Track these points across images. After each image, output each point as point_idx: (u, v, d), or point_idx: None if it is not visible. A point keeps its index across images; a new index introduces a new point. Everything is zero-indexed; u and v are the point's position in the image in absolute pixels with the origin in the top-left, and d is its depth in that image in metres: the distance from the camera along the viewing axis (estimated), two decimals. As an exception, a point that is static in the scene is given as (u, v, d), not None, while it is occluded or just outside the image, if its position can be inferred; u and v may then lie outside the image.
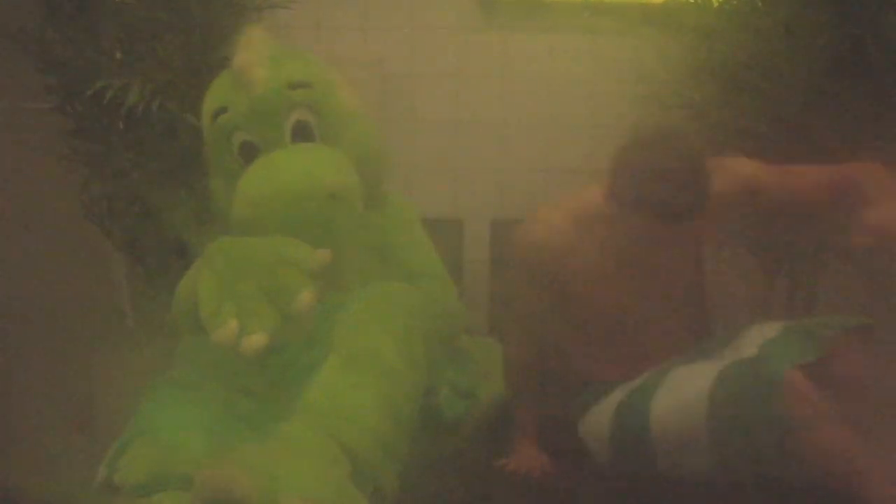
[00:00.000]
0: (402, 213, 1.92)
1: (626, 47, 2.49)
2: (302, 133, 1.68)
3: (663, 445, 1.48)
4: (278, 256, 1.54)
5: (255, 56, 1.69)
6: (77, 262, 2.16)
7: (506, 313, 1.80)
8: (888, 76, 2.01)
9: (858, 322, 1.48)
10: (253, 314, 1.48)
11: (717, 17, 2.21)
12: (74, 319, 2.13)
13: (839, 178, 1.59)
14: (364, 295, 1.59)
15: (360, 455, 1.36)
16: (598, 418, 1.62)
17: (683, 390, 1.46)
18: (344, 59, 2.42)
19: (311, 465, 1.30)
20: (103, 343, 2.06)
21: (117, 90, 1.86)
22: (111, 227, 2.06)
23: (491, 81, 2.55)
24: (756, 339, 1.53)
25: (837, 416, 1.32)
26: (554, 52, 2.54)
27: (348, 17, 2.51)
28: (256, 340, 1.46)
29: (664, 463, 1.50)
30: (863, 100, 2.05)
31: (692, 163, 1.45)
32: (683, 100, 2.32)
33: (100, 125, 1.97)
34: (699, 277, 1.69)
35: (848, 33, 2.00)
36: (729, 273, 2.46)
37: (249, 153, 1.67)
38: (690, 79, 2.30)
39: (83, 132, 1.99)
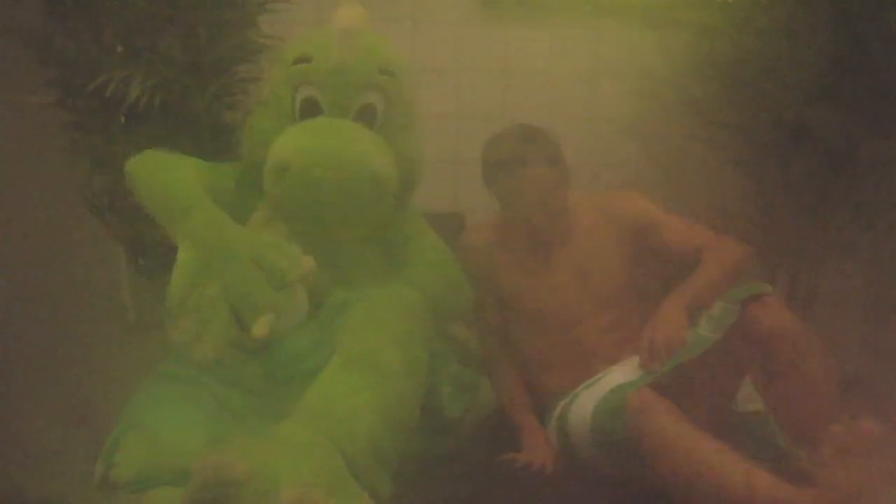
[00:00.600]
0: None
1: (627, 43, 2.50)
2: (367, 115, 1.70)
3: (584, 453, 1.62)
4: (257, 258, 1.53)
5: (361, 24, 1.72)
6: (78, 257, 2.16)
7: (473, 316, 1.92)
8: (890, 74, 2.01)
9: (751, 292, 1.53)
10: (208, 323, 1.49)
11: (718, 13, 2.21)
12: (75, 313, 2.13)
13: (699, 244, 1.74)
14: (366, 298, 1.58)
15: (353, 459, 1.36)
16: (550, 427, 1.74)
17: (580, 411, 1.61)
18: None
19: (308, 456, 1.30)
20: (104, 337, 2.07)
21: (119, 84, 1.85)
22: (113, 222, 2.05)
23: (492, 76, 2.55)
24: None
25: (687, 426, 1.40)
26: (555, 47, 2.54)
27: (350, 12, 2.50)
28: (203, 353, 1.49)
29: (594, 466, 1.62)
30: (864, 98, 2.05)
31: (532, 163, 1.68)
32: (684, 96, 2.32)
33: (101, 119, 1.96)
34: (641, 284, 1.79)
35: (849, 31, 2.00)
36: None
37: (310, 110, 1.67)
38: (691, 75, 2.31)
39: (85, 126, 1.98)
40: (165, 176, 1.68)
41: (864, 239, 2.31)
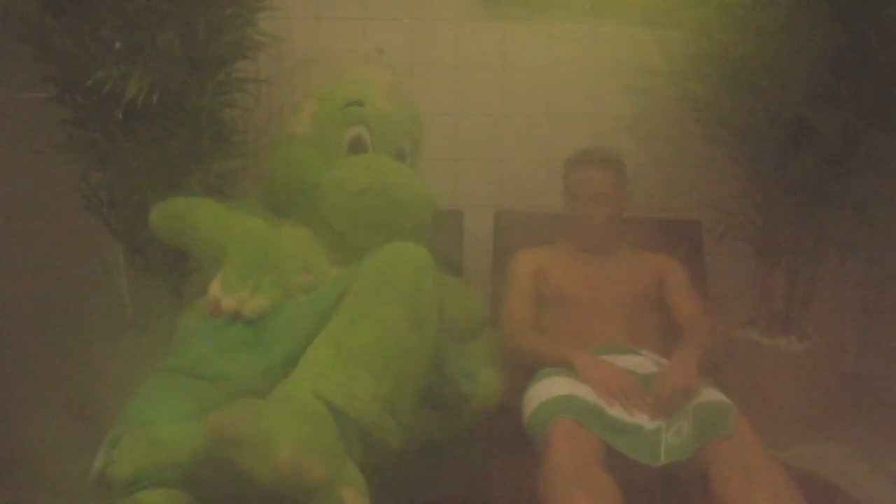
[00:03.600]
0: None
1: (626, 40, 2.50)
2: (399, 157, 2.01)
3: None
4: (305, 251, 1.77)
5: (398, 82, 2.13)
6: (76, 252, 2.16)
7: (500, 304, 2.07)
8: (888, 71, 2.00)
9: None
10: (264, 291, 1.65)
11: (717, 11, 2.20)
12: (73, 308, 2.13)
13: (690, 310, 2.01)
14: (375, 254, 1.59)
15: (357, 418, 1.37)
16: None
17: (535, 396, 1.77)
18: (344, 49, 2.42)
19: (304, 422, 1.31)
20: (102, 332, 2.07)
21: (116, 80, 1.85)
22: (110, 217, 2.06)
23: (491, 72, 2.55)
24: None
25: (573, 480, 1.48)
26: (554, 43, 2.54)
27: (348, 8, 2.50)
28: (260, 303, 1.62)
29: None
30: (863, 95, 2.05)
31: (608, 202, 1.98)
32: (683, 93, 2.32)
33: (99, 115, 1.96)
34: (654, 305, 2.01)
35: (848, 28, 2.00)
36: (729, 265, 2.48)
37: (357, 146, 1.95)
38: (690, 72, 2.31)
39: (82, 122, 1.98)
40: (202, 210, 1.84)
41: (862, 236, 2.31)
